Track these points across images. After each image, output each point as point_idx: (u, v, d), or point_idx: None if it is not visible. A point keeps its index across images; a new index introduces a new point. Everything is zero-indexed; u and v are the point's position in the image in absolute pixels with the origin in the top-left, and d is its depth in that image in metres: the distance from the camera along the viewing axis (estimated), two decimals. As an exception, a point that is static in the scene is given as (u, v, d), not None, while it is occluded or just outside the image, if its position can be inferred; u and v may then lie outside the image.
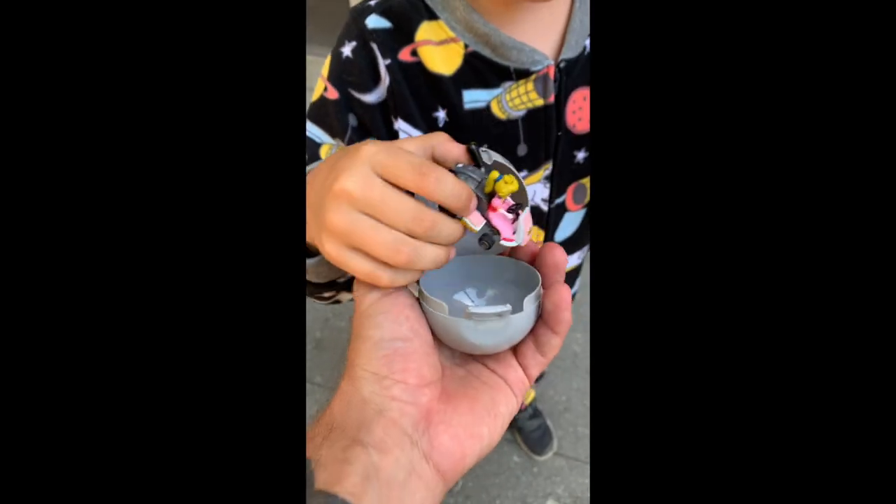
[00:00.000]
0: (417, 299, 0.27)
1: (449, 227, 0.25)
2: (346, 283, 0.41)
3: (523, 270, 0.29)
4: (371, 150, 0.24)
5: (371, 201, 0.24)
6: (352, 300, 0.45)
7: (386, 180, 0.24)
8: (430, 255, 0.25)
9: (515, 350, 0.28)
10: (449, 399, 0.26)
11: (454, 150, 0.27)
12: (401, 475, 0.22)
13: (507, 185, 0.26)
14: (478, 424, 0.25)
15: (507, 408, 0.26)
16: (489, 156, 0.27)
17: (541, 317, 0.27)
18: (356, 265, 0.25)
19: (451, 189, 0.24)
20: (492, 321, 0.25)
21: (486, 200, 0.27)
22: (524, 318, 0.26)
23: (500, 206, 0.27)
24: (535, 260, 0.29)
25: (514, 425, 1.22)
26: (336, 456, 0.22)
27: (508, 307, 0.25)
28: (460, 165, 0.26)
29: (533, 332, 0.27)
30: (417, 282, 0.27)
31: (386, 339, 0.25)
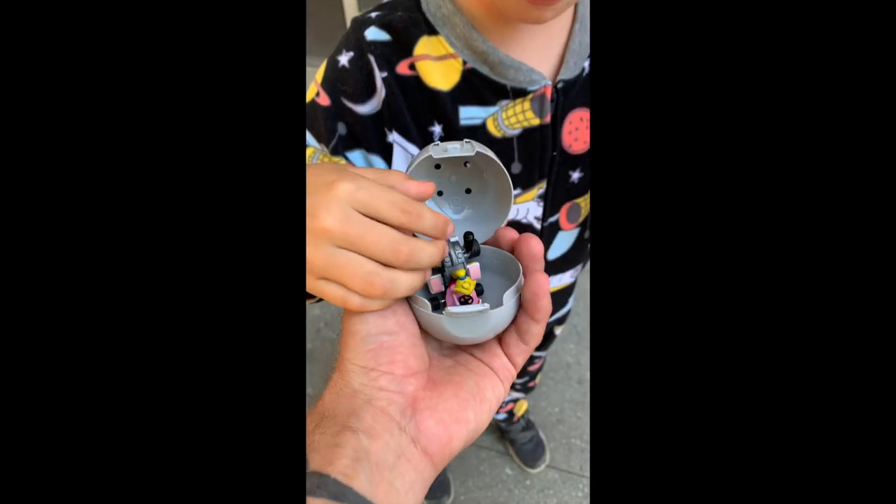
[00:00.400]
0: None
1: (428, 252, 0.26)
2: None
3: (504, 259, 0.31)
4: (348, 187, 0.25)
5: (350, 237, 0.25)
6: None
7: (365, 215, 0.25)
8: (406, 283, 0.26)
9: (500, 339, 0.29)
10: (435, 386, 0.27)
11: (412, 191, 0.27)
12: (390, 458, 0.23)
13: (463, 289, 0.29)
14: (463, 409, 0.26)
15: (493, 393, 0.28)
16: (472, 146, 0.28)
17: (521, 306, 0.28)
18: (329, 292, 0.26)
19: (431, 222, 0.26)
20: (473, 317, 0.26)
21: (449, 279, 0.30)
22: (504, 312, 0.27)
23: (454, 292, 0.30)
24: (513, 249, 0.30)
25: (507, 437, 1.21)
26: (328, 441, 0.23)
27: (487, 306, 0.26)
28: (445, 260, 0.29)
29: (515, 320, 0.28)
30: None
31: (372, 334, 0.26)
